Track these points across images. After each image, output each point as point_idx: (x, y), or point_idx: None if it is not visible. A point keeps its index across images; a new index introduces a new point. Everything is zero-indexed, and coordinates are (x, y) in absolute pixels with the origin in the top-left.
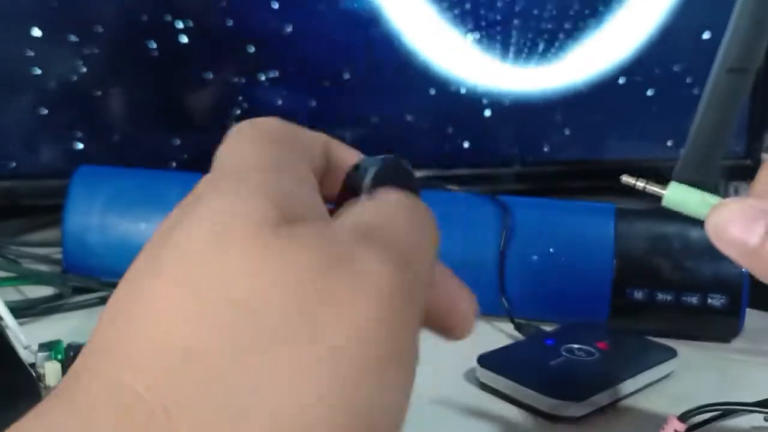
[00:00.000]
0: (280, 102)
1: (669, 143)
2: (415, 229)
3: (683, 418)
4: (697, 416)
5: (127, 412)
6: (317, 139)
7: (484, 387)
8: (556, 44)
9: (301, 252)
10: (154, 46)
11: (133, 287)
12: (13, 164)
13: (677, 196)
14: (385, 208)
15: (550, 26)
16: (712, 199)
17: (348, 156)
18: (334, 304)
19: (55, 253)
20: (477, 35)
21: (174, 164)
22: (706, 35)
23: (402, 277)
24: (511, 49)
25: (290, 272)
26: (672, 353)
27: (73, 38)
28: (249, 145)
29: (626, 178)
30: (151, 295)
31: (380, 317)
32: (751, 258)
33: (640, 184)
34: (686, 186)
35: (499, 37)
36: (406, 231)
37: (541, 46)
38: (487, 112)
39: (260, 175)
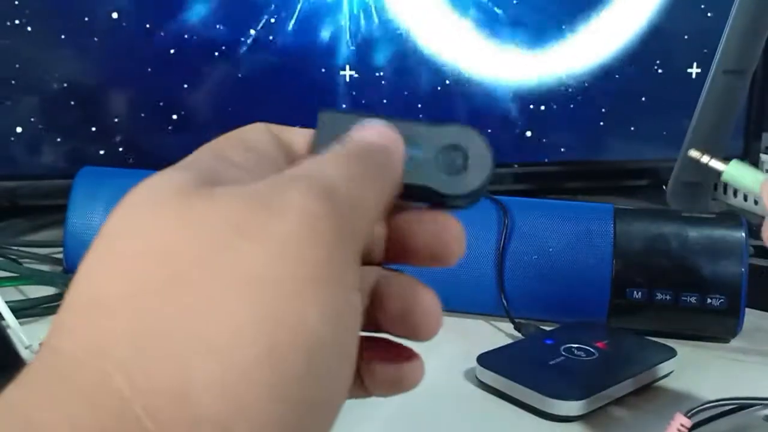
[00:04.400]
0: (285, 101)
1: (668, 143)
2: (350, 166)
3: (689, 414)
4: (703, 413)
5: (49, 368)
6: (260, 133)
7: (484, 386)
8: (556, 45)
9: (215, 202)
10: (158, 46)
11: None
12: (16, 165)
13: (735, 171)
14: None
15: (549, 27)
16: (763, 176)
17: (294, 136)
18: (253, 236)
19: (57, 253)
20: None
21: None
22: (704, 36)
23: (325, 205)
24: (510, 50)
25: (203, 219)
26: (671, 353)
27: (76, 38)
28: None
29: (693, 152)
30: (86, 259)
31: (300, 238)
32: None
33: (705, 159)
34: (744, 165)
35: (497, 38)
36: (332, 166)
37: (540, 48)
38: (487, 113)
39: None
